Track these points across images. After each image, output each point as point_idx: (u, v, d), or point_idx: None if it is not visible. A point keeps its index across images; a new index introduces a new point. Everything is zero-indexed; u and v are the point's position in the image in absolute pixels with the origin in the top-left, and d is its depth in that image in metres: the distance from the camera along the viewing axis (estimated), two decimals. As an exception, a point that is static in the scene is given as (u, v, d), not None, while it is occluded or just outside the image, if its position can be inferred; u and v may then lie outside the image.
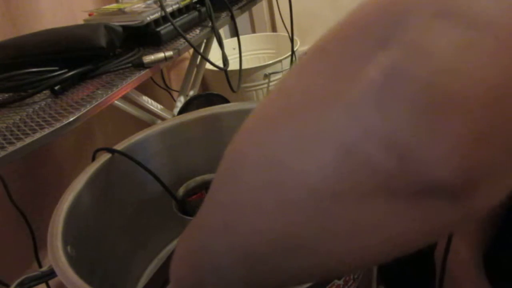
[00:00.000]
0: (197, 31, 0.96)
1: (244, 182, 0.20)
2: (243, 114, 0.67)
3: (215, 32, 0.98)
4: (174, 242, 0.77)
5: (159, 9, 0.85)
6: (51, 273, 0.47)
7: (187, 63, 1.26)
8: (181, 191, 0.65)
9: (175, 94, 1.42)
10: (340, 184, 0.17)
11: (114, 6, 0.94)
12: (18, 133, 0.58)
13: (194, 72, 1.22)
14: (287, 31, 1.51)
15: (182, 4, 0.92)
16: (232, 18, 1.05)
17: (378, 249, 0.18)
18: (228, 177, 0.21)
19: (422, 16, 0.15)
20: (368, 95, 0.16)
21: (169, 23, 0.86)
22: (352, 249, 0.18)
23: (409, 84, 0.15)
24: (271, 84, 1.59)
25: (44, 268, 0.48)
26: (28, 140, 0.56)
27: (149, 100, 1.12)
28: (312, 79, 0.19)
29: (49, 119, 0.61)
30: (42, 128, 0.58)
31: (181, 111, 1.08)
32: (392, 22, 0.16)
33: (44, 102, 0.67)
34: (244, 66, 1.33)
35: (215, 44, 1.07)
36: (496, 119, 0.15)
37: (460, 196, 0.16)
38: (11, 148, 0.54)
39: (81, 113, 0.62)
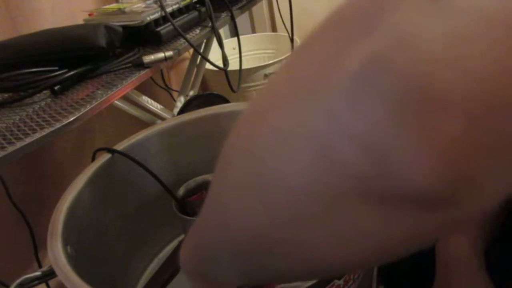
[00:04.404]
0: (197, 31, 0.96)
1: (230, 178, 0.20)
2: (243, 114, 0.67)
3: (215, 32, 0.98)
4: (174, 242, 0.77)
5: (159, 9, 0.85)
6: (51, 273, 0.47)
7: (187, 63, 1.26)
8: (181, 191, 0.65)
9: (175, 94, 1.42)
10: (316, 185, 0.16)
11: (114, 6, 0.94)
12: (18, 133, 0.58)
13: (194, 72, 1.22)
14: (287, 31, 1.51)
15: (182, 4, 0.92)
16: (232, 18, 1.05)
17: (360, 254, 0.17)
18: (218, 171, 0.21)
19: (408, 1, 0.14)
20: (343, 89, 0.14)
21: (169, 23, 0.86)
22: (333, 252, 0.18)
23: (389, 75, 0.13)
24: (271, 84, 1.59)
25: (44, 268, 0.48)
26: (28, 140, 0.56)
27: (149, 100, 1.12)
28: (294, 74, 0.18)
29: (49, 119, 0.61)
30: (42, 128, 0.58)
31: (181, 111, 1.08)
32: (377, 9, 0.15)
33: (44, 102, 0.67)
34: (244, 66, 1.33)
35: (215, 44, 1.07)
36: (490, 119, 0.13)
37: (443, 204, 0.14)
38: (11, 148, 0.54)
39: (81, 113, 0.62)
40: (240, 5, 1.12)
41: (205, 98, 1.13)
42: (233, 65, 1.29)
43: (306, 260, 0.19)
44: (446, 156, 0.13)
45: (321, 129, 0.15)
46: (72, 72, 0.70)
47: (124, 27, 0.79)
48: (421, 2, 0.14)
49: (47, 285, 0.79)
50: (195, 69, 1.22)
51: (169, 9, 0.87)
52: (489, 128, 0.13)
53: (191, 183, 0.66)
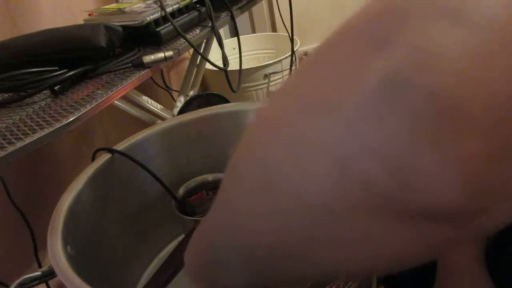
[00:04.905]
0: (197, 31, 0.96)
1: (240, 184, 0.20)
2: (243, 114, 0.67)
3: (215, 32, 0.98)
4: (174, 242, 0.77)
5: (159, 9, 0.85)
6: (51, 273, 0.47)
7: (187, 63, 1.26)
8: (181, 191, 0.65)
9: (175, 94, 1.42)
10: (334, 199, 0.16)
11: (114, 6, 0.94)
12: (18, 133, 0.58)
13: (194, 72, 1.22)
14: (287, 31, 1.50)
15: (182, 4, 0.92)
16: (232, 18, 1.05)
17: (371, 264, 0.18)
18: (228, 177, 0.21)
19: (423, 15, 0.14)
20: (364, 105, 0.14)
21: (169, 23, 0.86)
22: (346, 262, 0.18)
23: (410, 92, 0.13)
24: (271, 84, 1.59)
25: (44, 268, 0.48)
26: (28, 140, 0.56)
27: (149, 100, 1.12)
28: (310, 85, 0.17)
29: (49, 119, 0.61)
30: (42, 128, 0.58)
31: (181, 111, 1.08)
32: (391, 22, 0.14)
33: (44, 102, 0.67)
34: (244, 66, 1.33)
35: (215, 44, 1.07)
36: (510, 133, 0.13)
37: (464, 220, 0.14)
38: (11, 148, 0.54)
39: (81, 113, 0.62)
40: (240, 5, 1.12)
41: (205, 98, 1.13)
42: (233, 65, 1.29)
43: (315, 265, 0.19)
44: (468, 170, 0.13)
45: (338, 142, 0.15)
46: (72, 72, 0.70)
47: (124, 27, 0.79)
48: (436, 16, 0.14)
49: (47, 285, 0.79)
50: (195, 69, 1.22)
51: (169, 9, 0.87)
52: (509, 142, 0.13)
53: (191, 183, 0.66)
